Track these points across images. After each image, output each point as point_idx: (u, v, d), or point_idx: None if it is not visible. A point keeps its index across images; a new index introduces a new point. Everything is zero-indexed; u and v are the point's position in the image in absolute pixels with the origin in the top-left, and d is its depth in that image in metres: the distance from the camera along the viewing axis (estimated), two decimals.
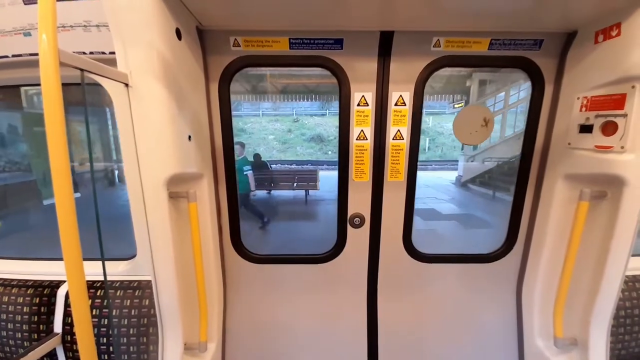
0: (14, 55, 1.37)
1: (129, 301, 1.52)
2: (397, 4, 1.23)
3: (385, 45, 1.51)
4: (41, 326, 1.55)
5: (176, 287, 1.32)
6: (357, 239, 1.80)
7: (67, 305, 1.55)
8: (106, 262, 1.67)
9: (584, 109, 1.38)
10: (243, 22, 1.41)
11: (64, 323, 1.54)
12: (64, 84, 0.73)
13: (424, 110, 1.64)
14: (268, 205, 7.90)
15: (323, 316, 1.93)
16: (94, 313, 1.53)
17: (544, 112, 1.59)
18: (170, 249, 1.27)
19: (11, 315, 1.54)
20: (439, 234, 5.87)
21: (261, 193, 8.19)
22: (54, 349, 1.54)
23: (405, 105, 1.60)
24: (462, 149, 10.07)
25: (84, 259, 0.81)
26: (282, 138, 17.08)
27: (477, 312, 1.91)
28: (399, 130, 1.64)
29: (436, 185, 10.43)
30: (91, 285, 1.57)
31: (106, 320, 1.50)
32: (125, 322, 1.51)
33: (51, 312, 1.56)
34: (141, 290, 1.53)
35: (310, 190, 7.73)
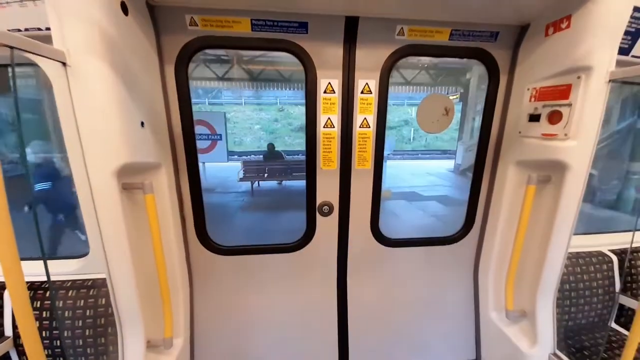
0: None
1: (82, 301, 1.42)
2: None
3: (350, 31, 1.50)
4: None
5: (134, 283, 1.25)
6: (327, 226, 1.82)
7: None
8: (57, 261, 1.57)
9: (533, 99, 1.47)
10: None
11: (15, 326, 1.42)
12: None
13: (389, 101, 1.66)
14: (282, 196, 7.67)
15: (294, 304, 1.94)
16: (44, 315, 1.42)
17: (498, 102, 1.67)
18: (125, 244, 1.19)
19: None
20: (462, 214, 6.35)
21: (271, 184, 7.93)
22: (7, 352, 1.43)
23: (371, 93, 1.61)
24: (460, 139, 10.36)
25: (34, 259, 0.75)
26: (268, 128, 16.63)
27: (439, 290, 2.03)
28: (365, 118, 1.65)
29: (437, 174, 10.74)
30: (39, 286, 1.45)
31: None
32: (80, 324, 1.42)
33: (0, 315, 1.44)
34: (96, 289, 1.44)
35: None
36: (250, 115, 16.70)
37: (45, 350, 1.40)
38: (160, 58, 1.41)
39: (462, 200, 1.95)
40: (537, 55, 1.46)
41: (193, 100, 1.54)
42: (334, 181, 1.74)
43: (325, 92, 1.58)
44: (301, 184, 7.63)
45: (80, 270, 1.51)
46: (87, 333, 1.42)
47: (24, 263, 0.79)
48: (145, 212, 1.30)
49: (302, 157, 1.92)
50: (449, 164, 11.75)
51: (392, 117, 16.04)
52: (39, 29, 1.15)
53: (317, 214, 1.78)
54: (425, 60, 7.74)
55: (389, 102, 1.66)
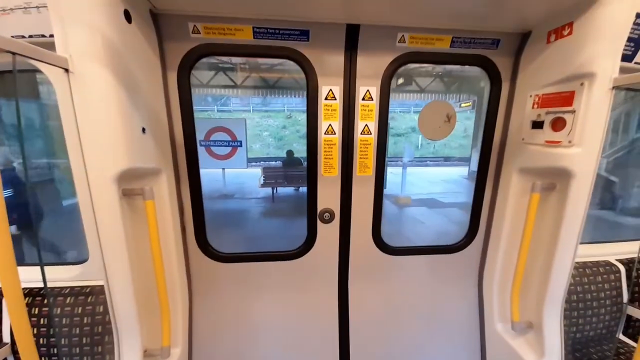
0: None
1: (80, 308, 1.40)
2: None
3: (351, 39, 1.51)
4: None
5: (132, 290, 1.23)
6: (327, 234, 1.80)
7: None
8: (55, 267, 1.56)
9: (535, 106, 1.46)
10: (202, 6, 1.34)
11: (13, 332, 1.41)
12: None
13: (390, 108, 1.66)
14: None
15: (294, 313, 1.91)
16: (42, 322, 1.40)
17: (501, 109, 1.66)
18: (123, 250, 1.18)
19: None
20: None
21: (289, 190, 7.92)
22: (5, 359, 1.42)
23: (372, 100, 1.61)
24: (475, 147, 10.36)
25: (33, 265, 0.74)
26: (277, 135, 16.80)
27: (442, 300, 1.99)
28: (366, 125, 1.65)
29: (452, 181, 10.70)
30: (37, 292, 1.43)
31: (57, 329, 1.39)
32: (77, 331, 1.40)
33: None
34: (94, 296, 1.42)
35: None
36: (259, 122, 16.87)
37: (42, 358, 1.39)
38: (162, 65, 1.42)
39: None
40: (540, 62, 1.45)
41: (202, 108, 1.55)
42: (335, 188, 1.73)
43: (326, 98, 1.58)
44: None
45: (79, 277, 1.50)
46: (83, 341, 1.40)
47: (23, 269, 0.78)
48: (145, 219, 1.29)
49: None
50: (462, 171, 11.69)
51: (399, 124, 16.11)
52: (43, 36, 1.17)
53: (318, 221, 1.76)
54: (440, 68, 7.81)
55: (396, 109, 1.67)
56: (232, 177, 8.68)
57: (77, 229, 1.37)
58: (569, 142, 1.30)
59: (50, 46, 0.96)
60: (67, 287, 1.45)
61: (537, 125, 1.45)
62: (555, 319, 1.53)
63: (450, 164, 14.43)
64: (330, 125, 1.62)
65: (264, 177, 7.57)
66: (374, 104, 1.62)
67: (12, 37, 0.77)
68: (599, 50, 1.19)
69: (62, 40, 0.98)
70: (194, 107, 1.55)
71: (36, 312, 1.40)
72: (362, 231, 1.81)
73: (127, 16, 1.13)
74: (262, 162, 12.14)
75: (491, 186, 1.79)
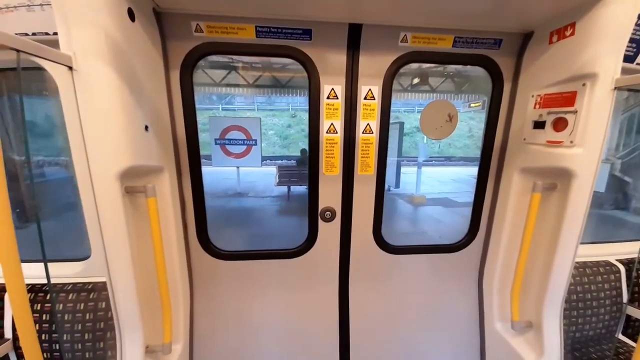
0: None
1: (83, 304, 1.42)
2: None
3: (354, 38, 1.51)
4: None
5: (134, 288, 1.24)
6: (328, 232, 1.80)
7: None
8: (58, 264, 1.57)
9: (537, 106, 1.47)
10: (205, 5, 1.34)
11: (15, 328, 1.42)
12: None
13: (392, 106, 1.66)
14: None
15: (295, 311, 1.92)
16: (44, 318, 1.41)
17: (502, 109, 1.66)
18: (126, 248, 1.18)
19: None
20: None
21: (301, 189, 7.88)
22: (7, 355, 1.43)
23: (374, 99, 1.61)
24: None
25: (36, 261, 0.74)
26: (282, 133, 16.82)
27: (442, 299, 2.00)
28: (368, 124, 1.65)
29: (462, 180, 10.74)
30: (40, 288, 1.45)
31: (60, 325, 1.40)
32: (80, 327, 1.41)
33: (0, 317, 1.43)
34: (96, 292, 1.43)
35: None
36: (264, 122, 16.89)
37: (44, 354, 1.40)
38: (165, 63, 1.43)
39: None
40: (542, 63, 1.45)
41: (207, 106, 1.55)
42: (336, 187, 1.73)
43: (328, 97, 1.59)
44: None
45: (81, 273, 1.51)
46: (86, 337, 1.41)
47: (25, 265, 0.78)
48: (147, 216, 1.30)
49: None
50: (470, 170, 11.68)
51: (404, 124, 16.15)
52: (47, 34, 1.18)
53: (319, 219, 1.77)
54: (451, 68, 7.76)
55: (400, 108, 1.67)
56: (242, 175, 8.76)
57: None
58: (571, 142, 1.30)
59: (54, 44, 0.96)
60: (69, 284, 1.46)
61: (539, 125, 1.45)
62: (555, 318, 1.54)
63: (454, 164, 14.41)
64: (332, 124, 1.63)
65: (278, 175, 7.65)
66: (376, 103, 1.62)
67: (16, 34, 0.77)
68: (601, 51, 1.19)
69: (66, 38, 0.98)
70: (199, 106, 1.55)
71: (39, 308, 1.41)
72: (363, 230, 1.82)
73: (131, 14, 1.14)
74: (267, 161, 12.17)
75: (492, 186, 1.79)
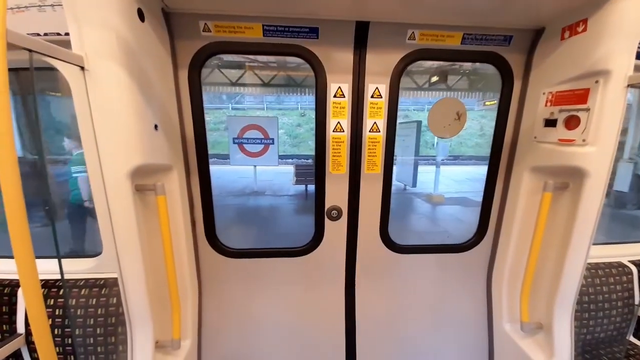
0: None
1: (94, 300, 1.44)
2: None
3: (361, 36, 1.50)
4: (4, 326, 1.47)
5: (144, 284, 1.26)
6: (335, 231, 1.80)
7: None
8: (70, 260, 1.60)
9: (549, 103, 1.44)
10: (213, 5, 1.35)
11: (27, 323, 1.46)
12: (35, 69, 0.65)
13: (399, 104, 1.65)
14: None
15: (301, 309, 1.93)
16: (57, 313, 1.44)
17: (512, 106, 1.64)
18: (136, 244, 1.21)
19: None
20: None
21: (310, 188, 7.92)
22: (19, 350, 1.46)
23: (381, 97, 1.60)
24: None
25: (49, 257, 0.76)
26: (292, 132, 16.85)
27: (450, 300, 1.98)
28: (375, 123, 1.64)
29: (476, 179, 10.74)
30: (53, 284, 1.48)
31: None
32: (92, 322, 1.44)
33: (13, 312, 1.47)
34: (108, 288, 1.46)
35: None
36: None
37: (57, 348, 1.43)
38: (174, 63, 1.44)
39: None
40: (553, 59, 1.42)
41: (217, 105, 1.56)
42: (343, 185, 1.73)
43: (335, 96, 1.58)
44: None
45: (93, 269, 1.54)
46: (97, 332, 1.44)
47: (38, 261, 0.80)
48: (157, 214, 1.32)
49: None
50: (483, 169, 11.58)
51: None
52: (58, 34, 1.19)
53: (326, 218, 1.77)
54: (467, 66, 7.61)
55: (410, 107, 1.65)
56: (257, 174, 8.86)
57: None
58: (583, 140, 1.27)
59: (65, 44, 0.98)
60: (82, 279, 1.49)
61: (550, 123, 1.42)
62: (566, 320, 1.51)
63: (465, 163, 14.27)
64: (338, 122, 1.62)
65: (295, 174, 7.69)
66: (383, 102, 1.61)
67: (28, 34, 0.79)
68: (614, 47, 1.16)
69: (78, 39, 1.00)
70: (210, 105, 1.56)
71: (52, 303, 1.45)
72: (370, 229, 1.82)
73: (141, 15, 1.15)
74: (279, 160, 12.27)
75: (501, 185, 1.77)
